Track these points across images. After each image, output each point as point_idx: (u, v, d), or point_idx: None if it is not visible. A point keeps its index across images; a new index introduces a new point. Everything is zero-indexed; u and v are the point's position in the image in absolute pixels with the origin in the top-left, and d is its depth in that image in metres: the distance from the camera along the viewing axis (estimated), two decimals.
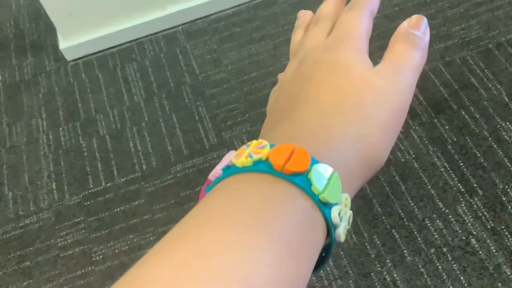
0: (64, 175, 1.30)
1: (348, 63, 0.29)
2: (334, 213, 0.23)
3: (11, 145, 1.37)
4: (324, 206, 0.23)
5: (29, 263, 1.17)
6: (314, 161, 0.24)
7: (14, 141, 1.38)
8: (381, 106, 0.28)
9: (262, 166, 0.24)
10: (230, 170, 0.25)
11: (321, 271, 1.05)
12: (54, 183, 1.29)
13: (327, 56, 0.30)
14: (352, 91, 0.28)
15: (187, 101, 1.39)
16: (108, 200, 1.24)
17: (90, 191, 1.26)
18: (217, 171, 0.25)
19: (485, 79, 1.30)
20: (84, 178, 1.29)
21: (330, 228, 0.24)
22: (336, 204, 0.24)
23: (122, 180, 1.27)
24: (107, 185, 1.26)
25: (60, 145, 1.36)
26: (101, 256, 1.16)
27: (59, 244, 1.19)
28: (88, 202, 1.24)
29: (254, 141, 0.25)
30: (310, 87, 0.29)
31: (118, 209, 1.22)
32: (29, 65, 1.55)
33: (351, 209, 0.25)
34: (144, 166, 1.28)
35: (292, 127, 0.28)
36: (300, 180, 0.23)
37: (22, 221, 1.23)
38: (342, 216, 0.24)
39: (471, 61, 1.34)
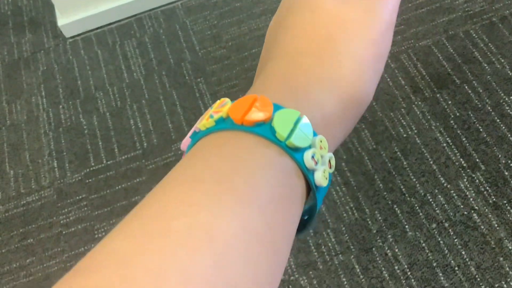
0: (65, 153, 1.30)
1: (316, 2, 0.27)
2: (307, 156, 0.22)
3: (11, 123, 1.37)
4: (295, 152, 0.22)
5: (31, 240, 1.17)
6: (277, 108, 0.23)
7: (14, 119, 1.38)
8: (354, 41, 0.26)
9: (223, 124, 0.23)
10: (197, 135, 0.24)
11: (310, 232, 1.05)
12: (55, 161, 1.29)
13: (297, 1, 0.28)
14: (320, 30, 0.26)
15: (187, 78, 1.38)
16: (109, 177, 1.24)
17: (91, 168, 1.26)
18: (186, 139, 0.25)
19: (488, 53, 1.28)
20: (85, 156, 1.29)
21: (307, 175, 0.23)
22: (309, 147, 0.22)
23: (123, 157, 1.27)
24: (108, 162, 1.26)
25: (60, 123, 1.35)
26: (103, 233, 1.16)
27: (62, 222, 1.19)
28: (90, 180, 1.24)
29: (217, 101, 0.24)
30: (281, 35, 0.28)
31: (120, 186, 1.22)
32: (27, 43, 1.53)
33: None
34: (145, 144, 1.28)
35: (263, 81, 0.26)
36: (262, 129, 0.22)
37: (24, 199, 1.24)
38: (318, 159, 0.23)
39: (474, 35, 1.32)
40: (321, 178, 0.23)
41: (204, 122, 0.23)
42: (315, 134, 0.23)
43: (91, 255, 0.18)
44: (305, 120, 0.23)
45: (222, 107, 0.23)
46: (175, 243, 0.18)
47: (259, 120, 0.22)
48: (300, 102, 0.24)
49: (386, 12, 0.26)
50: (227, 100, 0.24)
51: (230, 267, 0.18)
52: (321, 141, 0.23)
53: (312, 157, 0.22)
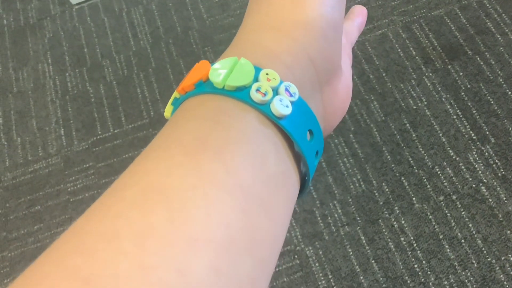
0: (72, 121, 1.29)
1: None
2: (252, 91, 0.21)
3: (18, 90, 1.36)
4: (237, 92, 0.21)
5: (39, 207, 1.18)
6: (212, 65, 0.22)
7: (21, 87, 1.37)
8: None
9: (202, 87, 0.22)
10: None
11: (306, 193, 1.05)
12: (62, 129, 1.29)
13: None
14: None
15: (194, 46, 1.36)
16: (116, 146, 1.24)
17: (98, 137, 1.26)
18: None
19: (502, 24, 1.25)
20: (92, 124, 1.28)
21: (275, 121, 0.21)
22: (250, 86, 0.21)
23: (130, 126, 1.26)
24: (115, 131, 1.26)
25: (67, 91, 1.34)
26: None
27: (69, 189, 1.20)
28: (97, 148, 1.24)
29: (196, 64, 0.23)
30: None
31: (127, 155, 1.22)
32: (33, 9, 1.51)
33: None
34: (152, 113, 1.27)
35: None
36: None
37: (31, 166, 1.24)
38: (266, 91, 0.21)
39: (488, 5, 1.29)
40: (279, 106, 0.21)
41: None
42: (258, 70, 0.21)
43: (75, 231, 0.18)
44: (242, 61, 0.21)
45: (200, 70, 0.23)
46: (128, 208, 0.17)
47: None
48: (244, 48, 0.23)
49: None
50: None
51: (187, 221, 0.16)
52: (267, 74, 0.21)
53: (257, 90, 0.21)
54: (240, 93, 0.21)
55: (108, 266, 0.15)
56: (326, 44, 0.24)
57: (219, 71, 0.21)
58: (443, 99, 1.17)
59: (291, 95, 0.21)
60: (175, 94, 0.23)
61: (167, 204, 0.17)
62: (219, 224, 0.17)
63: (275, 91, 0.21)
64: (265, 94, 0.21)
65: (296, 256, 1.05)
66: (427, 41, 1.26)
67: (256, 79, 0.21)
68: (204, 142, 0.19)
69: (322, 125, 0.25)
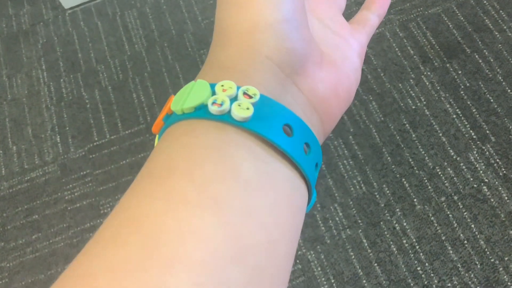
0: (67, 128, 1.28)
1: None
2: (209, 106, 0.21)
3: (12, 98, 1.35)
4: (196, 112, 0.21)
5: (37, 216, 1.17)
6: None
7: (15, 94, 1.35)
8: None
9: (170, 119, 0.22)
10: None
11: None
12: (58, 136, 1.27)
13: None
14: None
15: (190, 49, 1.35)
16: (113, 152, 1.22)
17: (94, 143, 1.25)
18: (159, 121, 0.23)
19: (500, 21, 1.24)
20: (88, 130, 1.27)
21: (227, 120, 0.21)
22: (206, 103, 0.21)
23: (126, 132, 1.25)
24: (112, 137, 1.25)
25: (62, 97, 1.33)
26: (109, 209, 1.16)
27: (67, 197, 1.18)
28: (93, 155, 1.23)
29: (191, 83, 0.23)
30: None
31: (124, 161, 1.21)
32: (26, 14, 1.50)
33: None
34: (148, 118, 1.26)
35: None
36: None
37: (27, 175, 1.22)
38: (222, 101, 0.21)
39: (485, 2, 1.28)
40: (237, 110, 0.20)
41: (155, 124, 0.23)
42: (212, 86, 0.22)
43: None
44: (197, 82, 0.22)
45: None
46: (104, 246, 0.17)
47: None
48: (203, 71, 0.24)
49: None
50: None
51: (160, 245, 0.17)
52: (222, 85, 0.21)
53: (213, 103, 0.21)
54: (199, 112, 0.21)
55: None
56: (280, 39, 0.23)
57: (177, 99, 0.22)
58: (442, 98, 1.16)
59: (250, 97, 0.21)
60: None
61: (139, 234, 0.17)
62: (195, 241, 0.17)
63: (234, 99, 0.21)
64: (221, 105, 0.21)
65: (297, 261, 1.04)
66: (424, 40, 1.25)
67: (213, 94, 0.21)
68: (172, 167, 0.19)
69: (311, 116, 0.25)
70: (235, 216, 0.18)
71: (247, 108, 0.21)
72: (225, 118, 0.20)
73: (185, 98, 0.21)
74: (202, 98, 0.21)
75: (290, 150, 0.21)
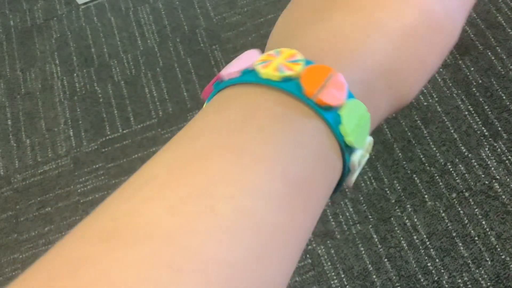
0: (80, 122, 1.29)
1: None
2: (355, 158, 0.20)
3: (26, 92, 1.36)
4: (347, 149, 0.20)
5: (49, 209, 1.18)
6: (350, 95, 0.20)
7: (29, 88, 1.37)
8: (429, 40, 0.22)
9: (291, 86, 0.19)
10: (250, 76, 0.20)
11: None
12: (71, 130, 1.28)
13: None
14: (406, 16, 0.22)
15: (202, 45, 1.36)
16: (125, 146, 1.24)
17: (107, 137, 1.26)
18: (233, 70, 0.21)
19: None
20: (100, 124, 1.28)
21: (344, 173, 0.20)
22: (359, 149, 0.20)
23: (138, 126, 1.26)
24: (124, 131, 1.26)
25: (75, 91, 1.34)
26: None
27: (79, 190, 1.20)
28: (106, 149, 1.24)
29: (286, 50, 0.20)
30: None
31: (136, 155, 1.22)
32: (40, 9, 1.51)
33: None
34: (160, 113, 1.27)
35: (327, 35, 0.22)
36: (330, 115, 0.19)
37: (41, 168, 1.24)
38: (361, 161, 0.20)
39: None
40: (353, 181, 0.20)
41: (269, 70, 0.20)
42: (350, 96, 0.20)
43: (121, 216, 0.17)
44: (368, 118, 0.20)
45: (293, 63, 0.20)
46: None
47: (332, 105, 0.19)
48: (364, 91, 0.21)
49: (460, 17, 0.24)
50: (300, 56, 0.20)
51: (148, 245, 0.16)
52: (369, 144, 0.21)
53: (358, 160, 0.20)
54: (347, 154, 0.20)
55: None
56: None
57: (353, 119, 0.20)
58: (454, 94, 1.16)
59: (362, 169, 0.21)
60: (232, 74, 0.21)
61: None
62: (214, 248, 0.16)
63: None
64: (358, 165, 0.21)
65: (307, 255, 1.04)
66: None
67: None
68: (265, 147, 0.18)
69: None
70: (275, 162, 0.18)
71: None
72: (345, 177, 0.20)
73: (356, 126, 0.20)
74: (362, 144, 0.20)
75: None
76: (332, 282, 1.01)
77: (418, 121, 1.14)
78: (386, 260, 1.01)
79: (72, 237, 0.17)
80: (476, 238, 1.01)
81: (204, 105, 0.21)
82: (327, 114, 0.19)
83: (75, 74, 1.37)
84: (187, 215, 0.16)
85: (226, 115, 0.19)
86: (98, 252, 0.15)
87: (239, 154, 0.17)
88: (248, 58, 0.21)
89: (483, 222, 1.02)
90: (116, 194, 0.18)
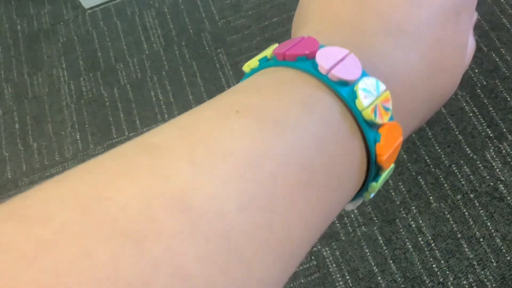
0: (87, 125, 1.30)
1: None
2: (359, 90, 0.18)
3: (33, 96, 1.38)
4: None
5: None
6: (364, 74, 0.19)
7: (36, 92, 1.38)
8: (459, 55, 0.22)
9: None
10: (348, 97, 0.19)
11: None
12: (78, 133, 1.29)
13: None
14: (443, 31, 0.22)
15: (207, 48, 1.36)
16: None
17: (113, 140, 1.27)
18: (253, 61, 0.21)
19: None
20: (107, 128, 1.29)
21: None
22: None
23: (145, 129, 1.27)
24: (130, 134, 1.27)
25: (81, 95, 1.35)
26: None
27: None
28: None
29: (384, 91, 0.19)
30: None
31: None
32: (47, 14, 1.53)
33: None
34: (166, 116, 1.28)
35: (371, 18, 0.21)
36: (304, 64, 0.19)
37: (48, 171, 1.25)
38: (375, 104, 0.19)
39: (502, 0, 1.27)
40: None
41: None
42: (365, 74, 0.19)
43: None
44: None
45: (386, 112, 0.19)
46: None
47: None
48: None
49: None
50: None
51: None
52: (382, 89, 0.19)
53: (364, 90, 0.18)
54: (302, 64, 0.19)
55: None
56: None
57: (371, 95, 0.19)
58: (459, 96, 1.16)
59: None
60: (267, 53, 0.21)
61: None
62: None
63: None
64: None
65: (312, 257, 1.05)
66: None
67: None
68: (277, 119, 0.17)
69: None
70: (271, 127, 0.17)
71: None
72: (360, 118, 0.18)
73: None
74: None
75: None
76: (337, 284, 1.01)
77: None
78: (391, 261, 1.02)
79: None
80: (481, 240, 1.01)
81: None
82: (301, 63, 0.19)
83: (81, 78, 1.38)
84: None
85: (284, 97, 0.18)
86: None
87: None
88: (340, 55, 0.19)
89: (488, 224, 1.02)
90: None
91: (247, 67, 0.21)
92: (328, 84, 0.18)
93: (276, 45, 0.20)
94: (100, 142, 1.27)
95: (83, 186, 0.14)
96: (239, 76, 1.29)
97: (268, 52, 0.20)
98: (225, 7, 1.43)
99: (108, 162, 0.15)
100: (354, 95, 0.18)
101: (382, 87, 0.19)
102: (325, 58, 0.18)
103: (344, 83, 0.18)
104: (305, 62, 0.19)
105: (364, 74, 0.19)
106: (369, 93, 0.18)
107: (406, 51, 0.21)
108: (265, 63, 0.20)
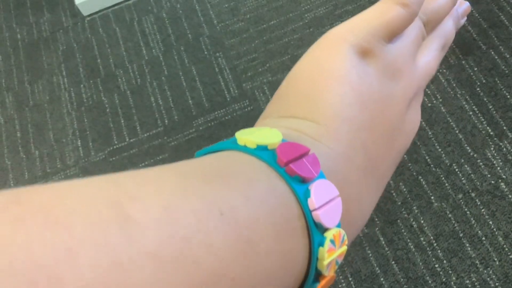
0: (88, 132, 1.31)
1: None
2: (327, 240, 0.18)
3: (34, 104, 1.38)
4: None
5: None
6: (322, 175, 0.19)
7: (37, 100, 1.39)
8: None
9: (225, 144, 0.20)
10: (225, 144, 0.21)
11: None
12: (79, 140, 1.30)
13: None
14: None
15: (206, 52, 1.37)
16: (133, 155, 1.25)
17: (114, 147, 1.27)
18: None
19: None
20: (108, 134, 1.29)
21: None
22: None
23: (145, 135, 1.27)
24: (131, 140, 1.27)
25: (82, 102, 1.36)
26: None
27: None
28: (113, 158, 1.25)
29: (345, 241, 0.20)
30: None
31: (143, 164, 1.23)
32: (46, 22, 1.53)
33: None
34: (166, 121, 1.28)
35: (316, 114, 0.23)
36: (264, 154, 0.19)
37: (50, 178, 1.26)
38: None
39: None
40: (324, 268, 0.19)
41: (246, 140, 0.20)
42: (321, 175, 0.19)
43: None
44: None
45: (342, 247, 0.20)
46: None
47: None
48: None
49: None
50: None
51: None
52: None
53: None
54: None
55: None
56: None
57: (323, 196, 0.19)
58: (458, 95, 1.16)
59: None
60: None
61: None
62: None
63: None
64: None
65: None
66: None
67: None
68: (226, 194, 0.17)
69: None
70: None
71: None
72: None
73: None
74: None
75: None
76: (340, 286, 1.01)
77: (423, 122, 1.14)
78: (393, 262, 1.02)
79: None
80: (484, 238, 1.00)
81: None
82: (261, 152, 0.19)
83: (82, 85, 1.39)
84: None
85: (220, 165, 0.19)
86: None
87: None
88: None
89: (490, 222, 1.01)
90: None
91: (243, 142, 0.20)
92: (310, 225, 0.19)
93: (281, 138, 0.20)
94: (102, 148, 1.27)
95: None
96: (238, 79, 1.29)
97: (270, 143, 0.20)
98: (223, 11, 1.43)
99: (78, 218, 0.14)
100: (307, 194, 0.19)
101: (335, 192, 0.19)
102: (318, 196, 0.19)
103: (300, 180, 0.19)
104: (267, 153, 0.19)
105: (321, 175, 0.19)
106: (334, 246, 0.19)
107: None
108: (224, 144, 0.20)
